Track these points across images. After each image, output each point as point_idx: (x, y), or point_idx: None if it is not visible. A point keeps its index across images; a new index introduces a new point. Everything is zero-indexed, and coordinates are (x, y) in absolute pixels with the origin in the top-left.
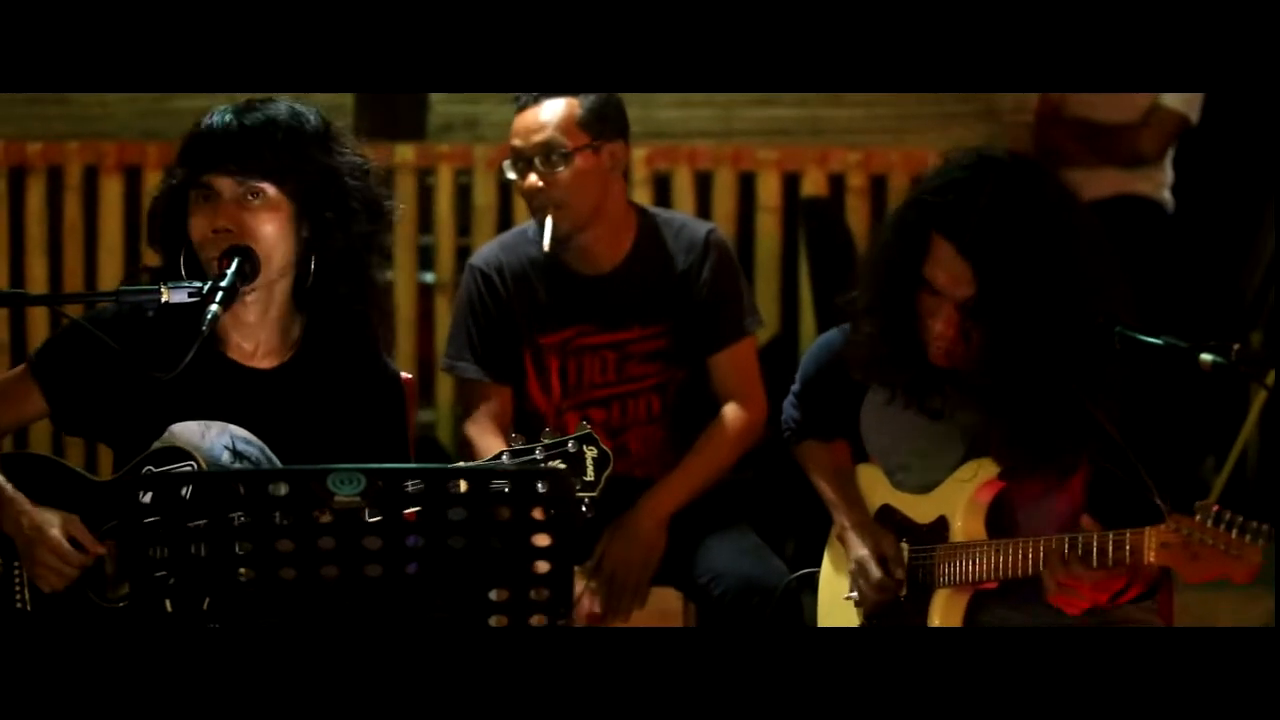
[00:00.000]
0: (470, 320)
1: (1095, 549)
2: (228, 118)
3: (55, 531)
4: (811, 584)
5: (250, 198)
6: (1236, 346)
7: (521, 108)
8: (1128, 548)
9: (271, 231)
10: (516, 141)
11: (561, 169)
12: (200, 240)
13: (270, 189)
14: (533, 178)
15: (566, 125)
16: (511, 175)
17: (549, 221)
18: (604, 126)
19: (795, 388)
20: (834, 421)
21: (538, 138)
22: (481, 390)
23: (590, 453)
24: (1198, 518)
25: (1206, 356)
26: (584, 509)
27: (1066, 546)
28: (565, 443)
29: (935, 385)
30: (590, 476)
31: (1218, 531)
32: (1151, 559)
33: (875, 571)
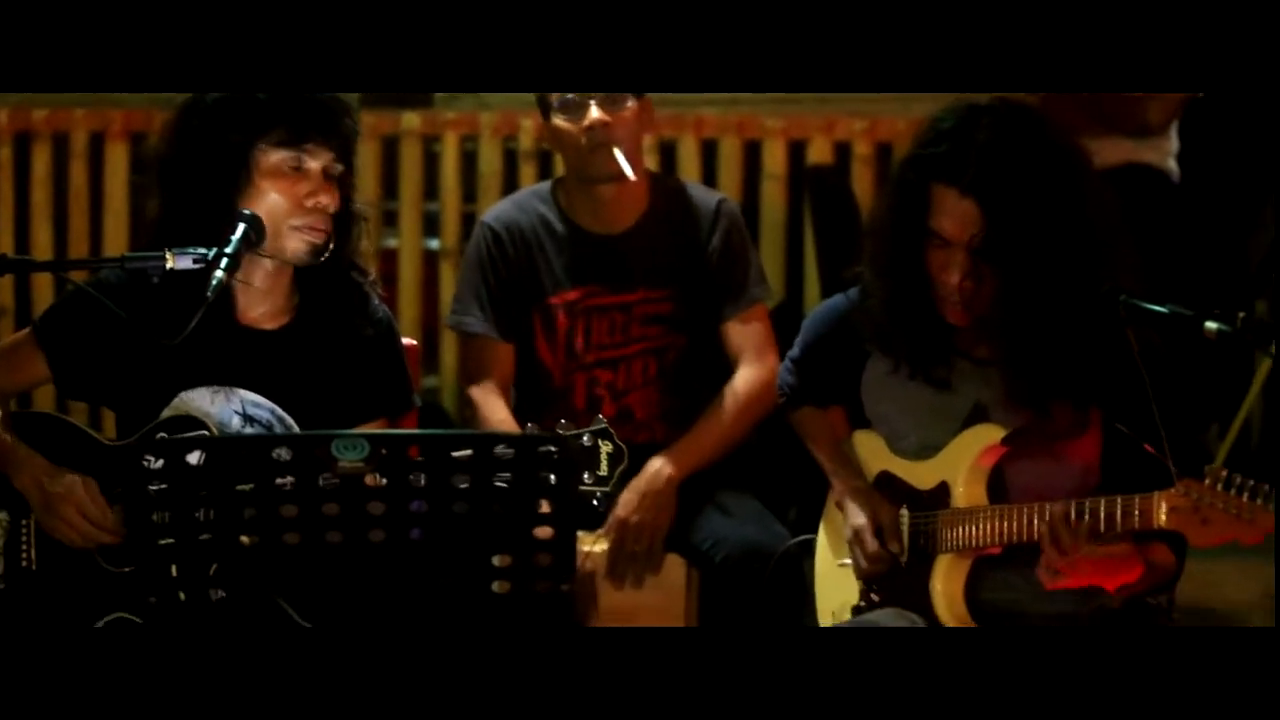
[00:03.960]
0: (479, 277)
1: (1103, 514)
2: None
3: (82, 491)
4: (811, 550)
5: (333, 173)
6: (1242, 315)
7: None
8: (1137, 512)
9: (338, 208)
10: None
11: (626, 107)
12: (288, 211)
13: (342, 166)
14: (596, 113)
15: None
16: (559, 120)
17: (618, 151)
18: None
19: (794, 353)
20: (832, 388)
21: None
22: (485, 347)
23: (605, 447)
24: (1207, 482)
25: (1211, 324)
26: (595, 503)
27: (1073, 511)
28: (580, 436)
29: (942, 356)
30: (604, 471)
31: (1228, 496)
32: (1161, 523)
33: (871, 542)
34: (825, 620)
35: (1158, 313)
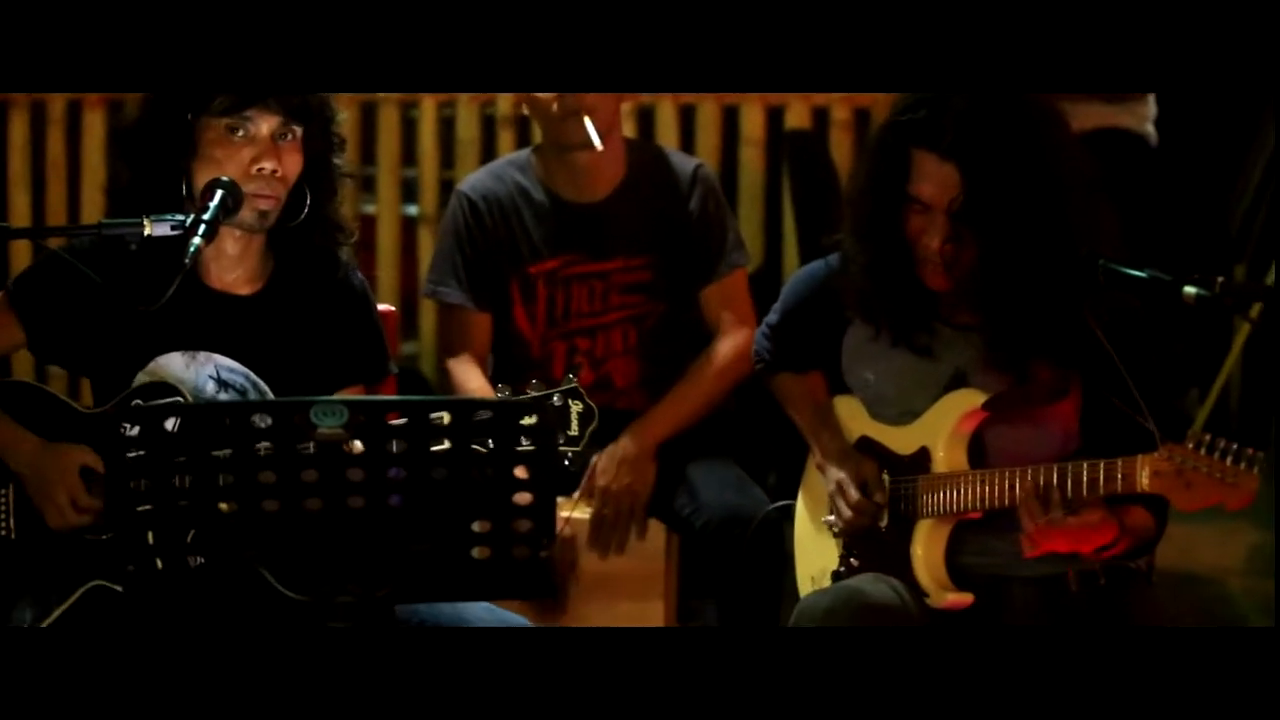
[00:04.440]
0: (455, 247)
1: (1085, 478)
2: None
3: (77, 478)
4: (791, 515)
5: (285, 137)
6: (1220, 280)
7: None
8: (1119, 476)
9: (296, 171)
10: None
11: None
12: (236, 179)
13: (299, 129)
14: None
15: None
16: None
17: (588, 120)
18: None
19: (772, 319)
20: (810, 354)
21: None
22: (463, 317)
23: (575, 407)
24: (1190, 445)
25: (1190, 289)
26: (566, 463)
27: (1055, 475)
28: (550, 396)
29: (924, 322)
30: (574, 431)
31: (1211, 460)
32: (1144, 487)
33: (854, 493)
34: (805, 585)
35: (1136, 277)
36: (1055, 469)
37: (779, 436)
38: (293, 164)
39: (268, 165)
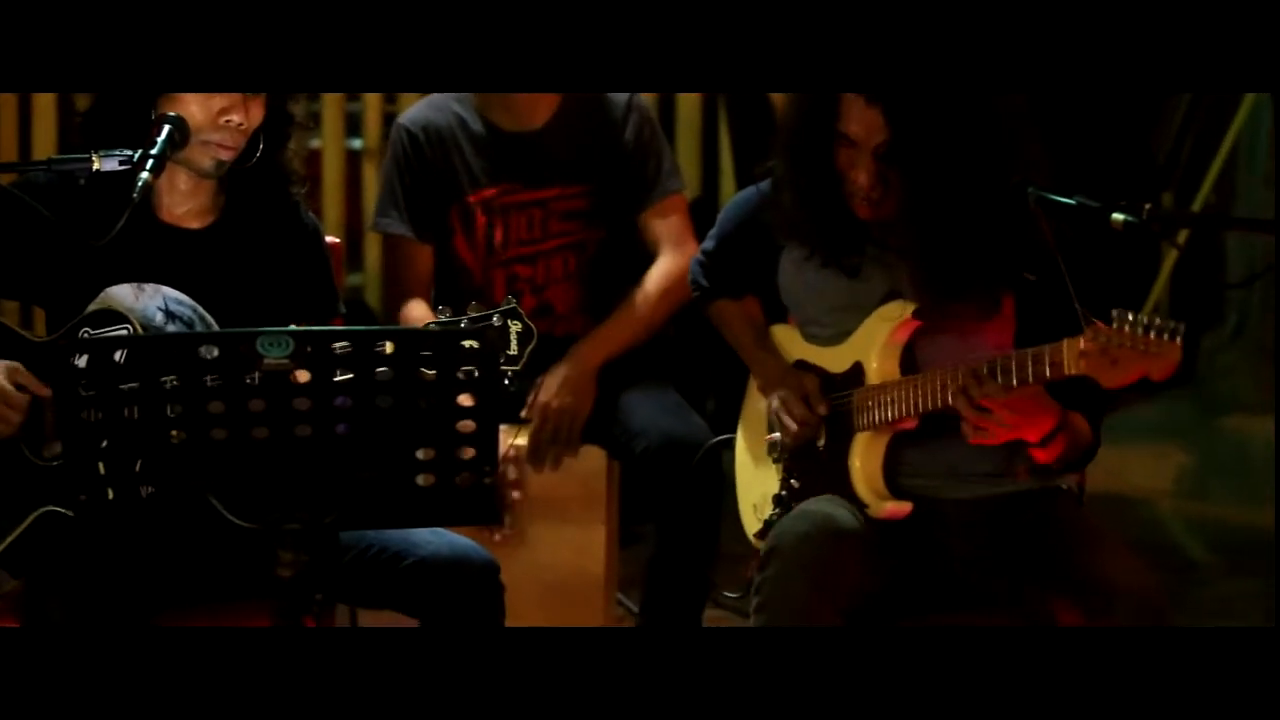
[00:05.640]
0: (396, 178)
1: (1014, 366)
2: None
3: (1, 379)
4: (732, 446)
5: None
6: (1148, 206)
7: None
8: (1047, 361)
9: (259, 123)
10: None
11: None
12: (201, 124)
13: None
14: None
15: None
16: None
17: None
18: None
19: (707, 246)
20: (746, 279)
21: None
22: (406, 248)
23: (515, 327)
24: (1115, 325)
25: (1118, 216)
26: (506, 382)
27: (985, 369)
28: (490, 316)
29: (855, 244)
30: (514, 350)
31: (1135, 335)
32: (1074, 369)
33: (797, 405)
34: (747, 514)
35: (1066, 204)
36: (985, 362)
37: (717, 363)
38: (257, 116)
39: (235, 118)
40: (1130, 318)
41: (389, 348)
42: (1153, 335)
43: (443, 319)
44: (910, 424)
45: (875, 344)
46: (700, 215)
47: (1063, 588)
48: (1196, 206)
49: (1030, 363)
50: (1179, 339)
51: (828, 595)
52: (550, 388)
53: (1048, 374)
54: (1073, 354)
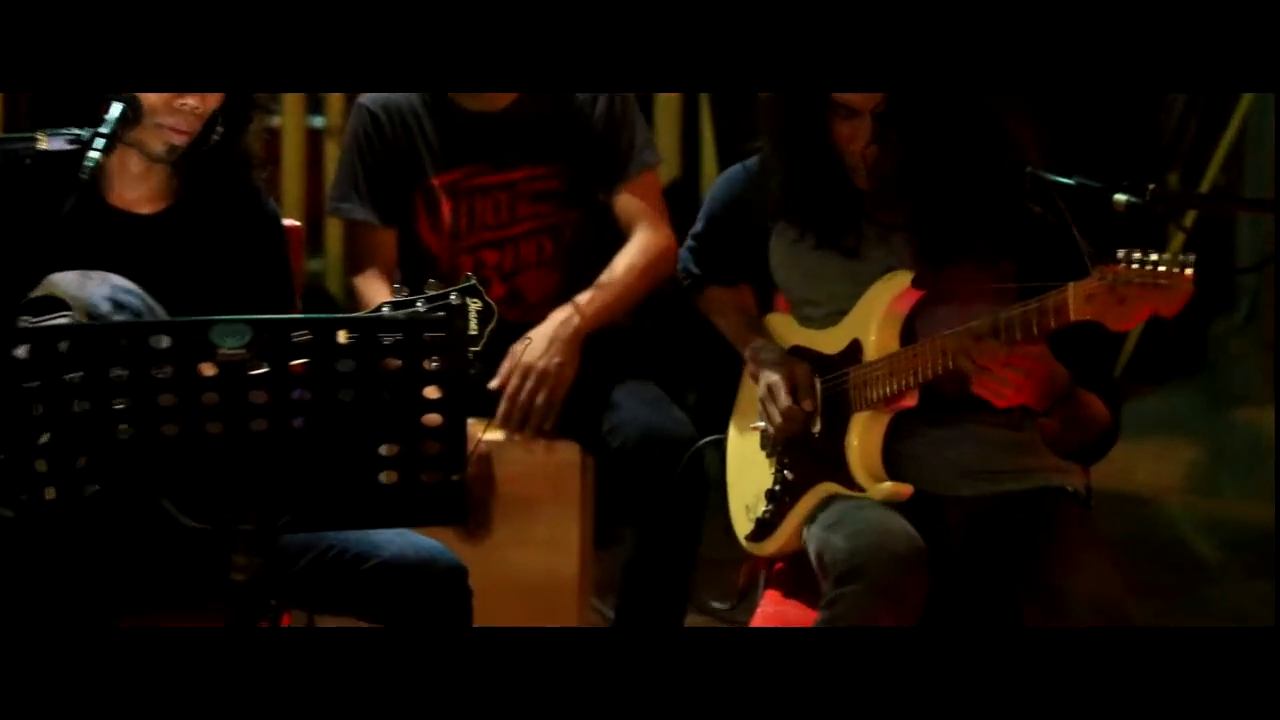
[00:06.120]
0: (358, 160)
1: (1019, 321)
2: None
3: None
4: (718, 446)
5: None
6: (1152, 187)
7: None
8: (1052, 308)
9: (215, 106)
10: None
11: None
12: (155, 107)
13: None
14: None
15: None
16: None
17: None
18: None
19: (696, 230)
20: (738, 263)
21: None
22: (369, 234)
23: (474, 305)
24: (1122, 264)
25: (1120, 197)
26: (469, 364)
27: (989, 328)
28: (448, 294)
29: (852, 221)
30: (474, 330)
31: (1143, 269)
32: (1079, 313)
33: (784, 398)
34: (739, 516)
35: (1065, 185)
36: (987, 321)
37: (698, 356)
38: (214, 99)
39: (191, 101)
40: (1138, 254)
41: (343, 337)
42: (1162, 268)
43: (398, 298)
44: (910, 400)
45: (874, 317)
46: (681, 195)
47: (1027, 590)
48: (1204, 187)
49: (1035, 314)
50: (1189, 270)
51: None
52: (537, 347)
53: (1052, 322)
54: (1079, 297)
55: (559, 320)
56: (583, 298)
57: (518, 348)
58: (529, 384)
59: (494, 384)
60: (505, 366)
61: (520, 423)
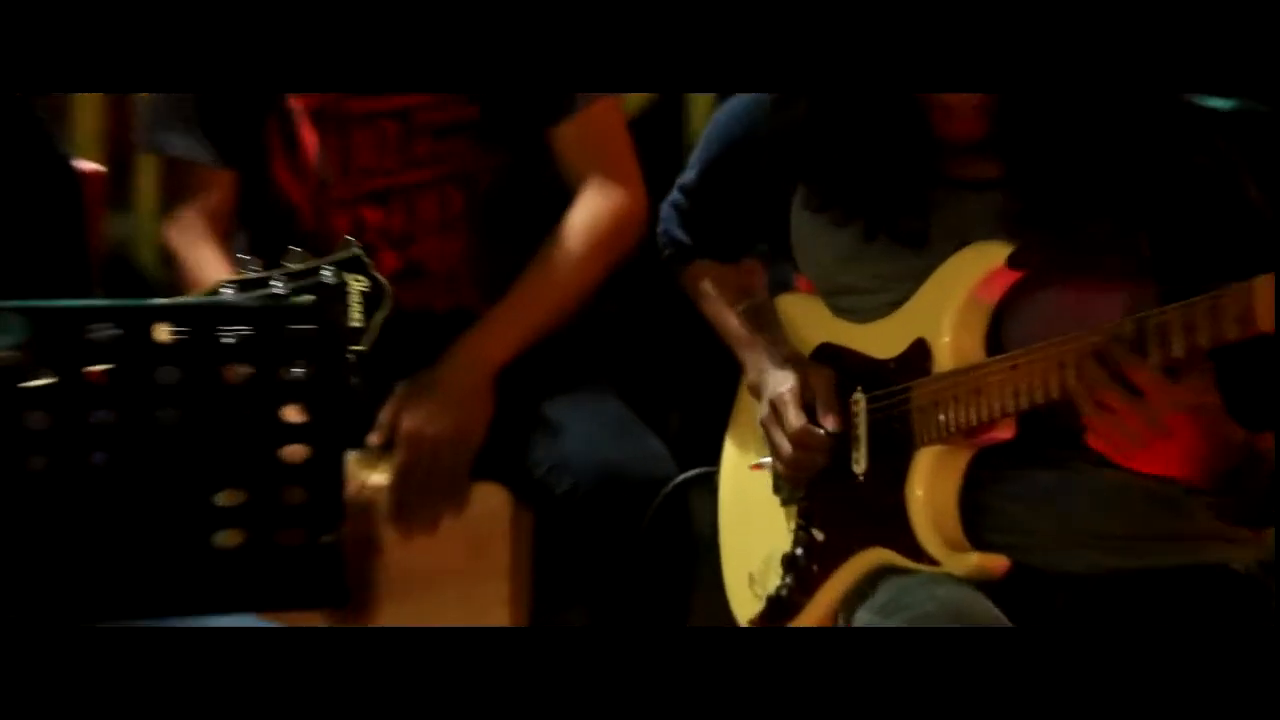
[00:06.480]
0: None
1: (1179, 325)
2: None
3: None
4: (707, 485)
5: None
6: None
7: None
8: (1230, 311)
9: None
10: None
11: None
12: None
13: None
14: None
15: None
16: None
17: None
18: None
19: (686, 180)
20: (743, 231)
21: None
22: (193, 176)
23: (358, 284)
24: None
25: None
26: (349, 370)
27: (1127, 331)
28: (318, 269)
29: (919, 199)
30: (357, 321)
31: None
32: (1265, 324)
33: (794, 417)
34: (738, 589)
35: (1218, 111)
36: (1126, 322)
37: (684, 359)
38: None
39: None
40: None
41: (164, 333)
42: None
43: (246, 275)
44: (1005, 433)
45: (949, 308)
46: (658, 134)
47: None
48: None
49: (1200, 318)
50: None
51: None
52: (420, 405)
53: (1230, 330)
54: (1265, 297)
55: (459, 356)
56: (503, 308)
57: (402, 394)
58: (423, 462)
59: (374, 440)
60: (385, 417)
61: (422, 521)
